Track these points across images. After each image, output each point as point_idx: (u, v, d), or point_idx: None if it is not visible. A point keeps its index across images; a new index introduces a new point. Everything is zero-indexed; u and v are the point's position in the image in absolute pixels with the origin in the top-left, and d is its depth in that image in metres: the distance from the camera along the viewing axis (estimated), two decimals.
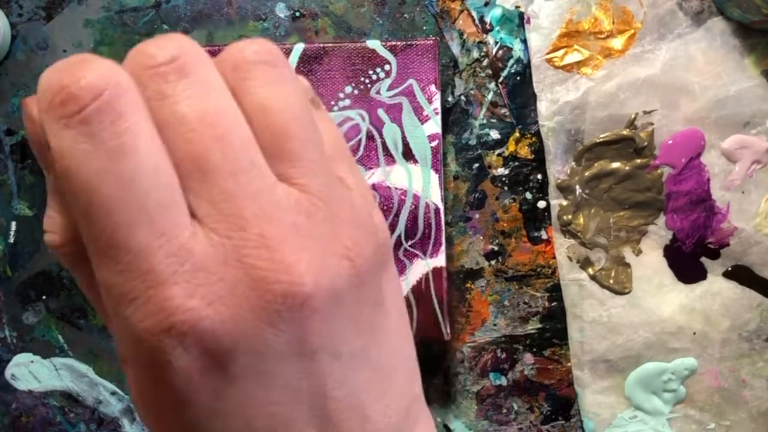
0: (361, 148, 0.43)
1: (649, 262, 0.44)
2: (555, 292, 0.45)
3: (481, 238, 0.45)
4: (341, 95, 0.42)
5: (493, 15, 0.44)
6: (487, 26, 0.44)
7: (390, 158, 0.43)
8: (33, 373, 0.46)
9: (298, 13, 0.44)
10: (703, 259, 0.44)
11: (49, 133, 0.15)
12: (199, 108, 0.16)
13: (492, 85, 0.44)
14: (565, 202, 0.44)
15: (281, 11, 0.44)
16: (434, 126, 0.42)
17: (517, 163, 0.45)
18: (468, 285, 0.45)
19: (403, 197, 0.43)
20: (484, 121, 0.45)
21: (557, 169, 0.44)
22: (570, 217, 0.44)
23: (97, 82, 0.15)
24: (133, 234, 0.15)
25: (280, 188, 0.17)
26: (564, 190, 0.44)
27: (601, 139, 0.43)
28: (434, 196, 0.43)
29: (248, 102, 0.17)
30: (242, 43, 0.17)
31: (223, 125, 0.16)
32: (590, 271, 0.44)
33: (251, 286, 0.16)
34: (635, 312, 0.44)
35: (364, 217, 0.18)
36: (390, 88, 0.42)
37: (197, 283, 0.15)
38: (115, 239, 0.15)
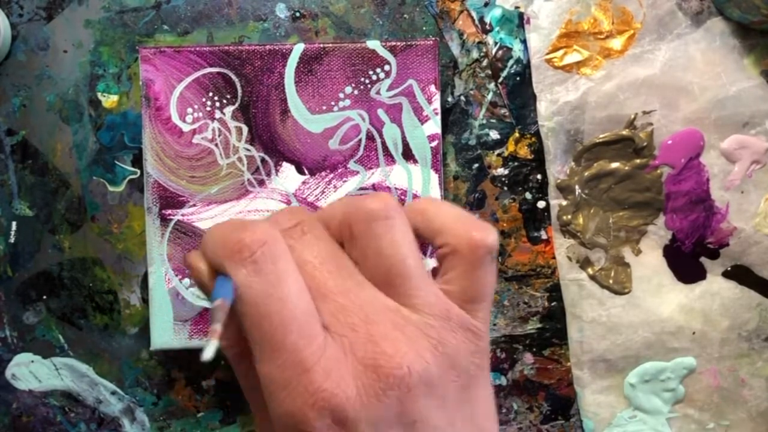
0: (361, 148, 0.43)
1: (648, 262, 0.44)
2: (554, 292, 0.45)
3: None
4: (341, 95, 0.42)
5: (492, 15, 0.44)
6: (487, 27, 0.44)
7: (390, 158, 0.43)
8: (33, 372, 0.46)
9: (298, 14, 0.44)
10: (703, 259, 0.44)
11: (230, 271, 0.22)
12: (315, 253, 0.24)
13: (492, 86, 0.44)
14: (564, 202, 0.44)
15: (281, 11, 0.44)
16: (434, 126, 0.42)
17: (516, 164, 0.45)
18: None
19: (403, 197, 0.43)
20: (484, 122, 0.45)
21: (557, 169, 0.44)
22: (569, 217, 0.44)
23: (261, 236, 0.22)
24: (288, 337, 0.21)
25: (380, 298, 0.23)
26: (563, 190, 0.44)
27: (601, 140, 0.43)
28: (434, 196, 0.43)
29: (363, 247, 0.24)
30: (365, 202, 0.24)
31: (333, 262, 0.24)
32: (590, 271, 0.44)
33: (363, 371, 0.22)
34: (635, 312, 0.44)
35: (454, 316, 0.23)
36: (390, 88, 0.42)
37: (329, 370, 0.21)
38: (275, 341, 0.22)
